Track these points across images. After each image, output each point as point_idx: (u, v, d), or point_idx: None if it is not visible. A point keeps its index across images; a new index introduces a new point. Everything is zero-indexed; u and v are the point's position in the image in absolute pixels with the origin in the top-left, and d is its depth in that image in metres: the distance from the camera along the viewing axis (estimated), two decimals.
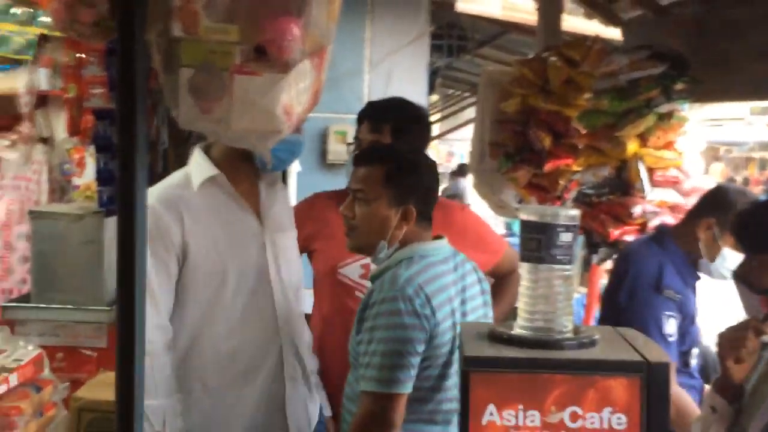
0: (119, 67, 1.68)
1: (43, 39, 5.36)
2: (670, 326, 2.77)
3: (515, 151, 4.06)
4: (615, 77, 3.44)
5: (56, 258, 3.71)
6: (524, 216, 1.79)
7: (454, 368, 2.11)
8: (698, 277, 2.94)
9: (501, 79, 4.31)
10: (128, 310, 1.67)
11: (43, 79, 5.38)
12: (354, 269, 2.69)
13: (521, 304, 1.80)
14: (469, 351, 1.73)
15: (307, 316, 2.67)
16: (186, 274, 2.32)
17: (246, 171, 2.40)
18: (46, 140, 5.70)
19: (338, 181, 2.96)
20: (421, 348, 2.05)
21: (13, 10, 5.15)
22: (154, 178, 3.34)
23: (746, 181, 16.04)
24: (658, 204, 3.50)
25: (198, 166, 2.39)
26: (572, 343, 1.75)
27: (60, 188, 5.63)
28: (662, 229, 3.06)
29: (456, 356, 2.10)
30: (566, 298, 1.79)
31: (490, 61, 7.99)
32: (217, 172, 2.36)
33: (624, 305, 2.85)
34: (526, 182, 4.06)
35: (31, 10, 5.13)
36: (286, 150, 2.31)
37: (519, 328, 1.80)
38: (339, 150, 5.41)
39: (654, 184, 3.49)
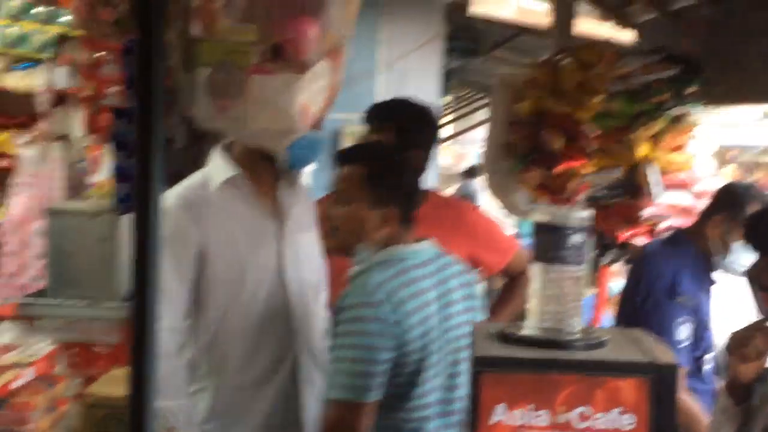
0: (138, 65, 1.69)
1: (63, 38, 5.41)
2: (683, 332, 2.78)
3: (527, 152, 4.06)
4: (628, 80, 3.44)
5: (72, 255, 3.75)
6: (536, 217, 1.80)
7: (426, 376, 2.07)
8: (714, 281, 2.95)
9: (514, 81, 4.30)
10: (141, 307, 1.68)
11: (61, 77, 5.42)
12: None
13: (531, 305, 1.82)
14: (479, 351, 1.75)
15: None
16: (204, 276, 2.32)
17: (266, 170, 2.37)
18: (63, 138, 5.75)
19: None
20: (388, 356, 2.00)
21: (33, 10, 5.19)
22: (169, 177, 3.38)
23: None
24: (669, 206, 3.50)
25: (217, 167, 2.38)
26: (581, 343, 1.76)
27: (76, 185, 5.67)
28: (678, 231, 3.07)
29: (428, 363, 2.06)
30: (576, 299, 1.80)
31: (503, 64, 7.98)
32: (236, 173, 2.34)
33: (638, 309, 2.86)
34: (538, 184, 4.06)
35: (52, 9, 5.17)
36: (307, 148, 2.28)
37: (529, 329, 1.81)
38: None
39: (665, 186, 3.49)
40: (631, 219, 3.47)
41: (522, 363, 1.70)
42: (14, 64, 5.83)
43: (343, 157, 2.16)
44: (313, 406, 2.47)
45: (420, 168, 2.71)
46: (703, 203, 3.28)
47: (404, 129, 2.67)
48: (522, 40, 7.13)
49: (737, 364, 1.99)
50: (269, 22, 1.78)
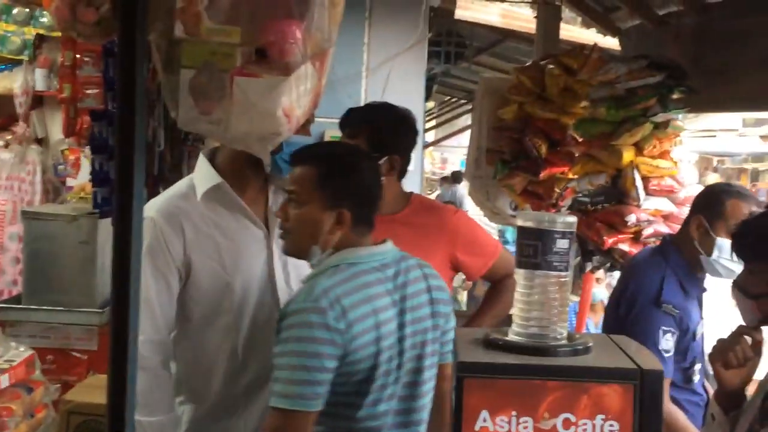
0: (119, 67, 1.67)
1: (40, 39, 5.37)
2: (667, 342, 2.77)
3: (511, 158, 4.07)
4: (612, 86, 3.45)
5: (49, 259, 3.71)
6: (521, 222, 1.79)
7: (377, 385, 1.99)
8: (703, 289, 2.96)
9: (499, 86, 4.32)
10: (122, 314, 1.65)
11: (39, 79, 5.38)
12: None
13: (516, 310, 1.81)
14: (464, 357, 1.74)
15: None
16: (189, 288, 2.28)
17: (253, 177, 2.32)
18: (40, 141, 5.70)
19: None
20: (332, 364, 1.91)
21: (12, 11, 5.14)
22: (150, 180, 3.35)
23: None
24: (653, 213, 3.51)
25: (202, 175, 2.33)
26: (566, 350, 1.75)
27: (54, 189, 5.63)
28: (665, 239, 3.08)
29: (381, 372, 1.98)
30: (561, 305, 1.80)
31: (487, 69, 8.01)
32: (220, 181, 2.29)
33: (623, 317, 2.86)
34: (522, 189, 4.07)
35: (28, 10, 5.13)
36: None
37: (514, 335, 1.80)
38: None
39: (649, 192, 3.50)
40: (615, 225, 3.47)
41: (506, 369, 1.69)
42: None
43: (296, 158, 2.09)
44: None
45: (396, 171, 2.70)
46: (686, 210, 3.29)
47: (378, 134, 2.64)
48: (506, 45, 7.16)
49: (721, 371, 2.00)
50: (253, 24, 1.75)
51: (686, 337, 2.83)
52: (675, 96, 3.40)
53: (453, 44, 7.49)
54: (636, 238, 3.50)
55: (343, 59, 4.68)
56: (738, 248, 2.08)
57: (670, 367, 2.76)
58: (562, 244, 1.76)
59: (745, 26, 3.46)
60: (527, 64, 4.40)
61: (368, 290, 1.99)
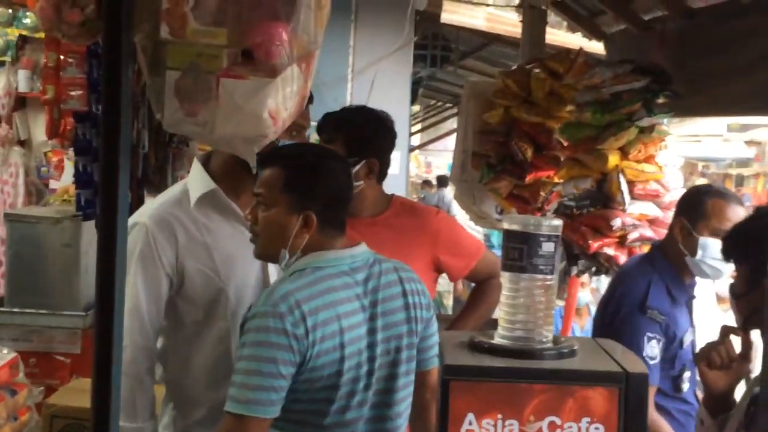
0: (104, 68, 1.66)
1: (23, 40, 5.34)
2: (652, 348, 2.76)
3: (497, 161, 4.08)
4: (598, 90, 3.46)
5: (32, 262, 3.69)
6: (507, 225, 1.79)
7: (345, 391, 1.96)
8: (692, 296, 2.97)
9: (484, 90, 4.33)
10: (106, 317, 1.64)
11: (22, 80, 5.35)
12: None
13: (502, 313, 1.80)
14: (449, 359, 1.73)
15: None
16: (183, 295, 2.27)
17: (248, 181, 2.26)
18: (23, 143, 5.67)
19: None
20: (288, 370, 1.88)
21: None
22: (134, 183, 3.33)
23: None
24: (638, 217, 3.52)
25: (195, 180, 2.32)
26: (552, 353, 1.75)
27: (37, 191, 5.60)
28: (653, 247, 3.10)
29: (348, 378, 1.96)
30: (547, 308, 1.80)
31: (473, 72, 8.04)
32: (214, 187, 2.29)
33: (608, 323, 2.86)
34: (508, 193, 4.08)
35: (10, 11, 5.10)
36: None
37: (499, 338, 1.80)
38: None
39: (634, 196, 3.51)
40: (601, 229, 3.49)
41: (492, 372, 1.69)
42: None
43: (263, 160, 2.06)
44: None
45: (375, 174, 2.70)
46: (671, 214, 3.31)
47: (355, 137, 2.64)
48: (492, 49, 7.18)
49: (705, 371, 2.01)
50: (239, 26, 1.75)
51: (673, 345, 2.84)
52: (660, 100, 3.41)
53: (439, 48, 7.51)
54: (621, 242, 3.51)
55: (328, 62, 4.68)
56: (724, 250, 2.10)
57: (655, 374, 2.75)
58: (547, 247, 1.76)
59: (729, 31, 3.48)
60: (513, 68, 4.42)
61: (332, 295, 1.95)
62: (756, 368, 1.96)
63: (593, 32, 5.01)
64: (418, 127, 14.35)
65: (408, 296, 2.08)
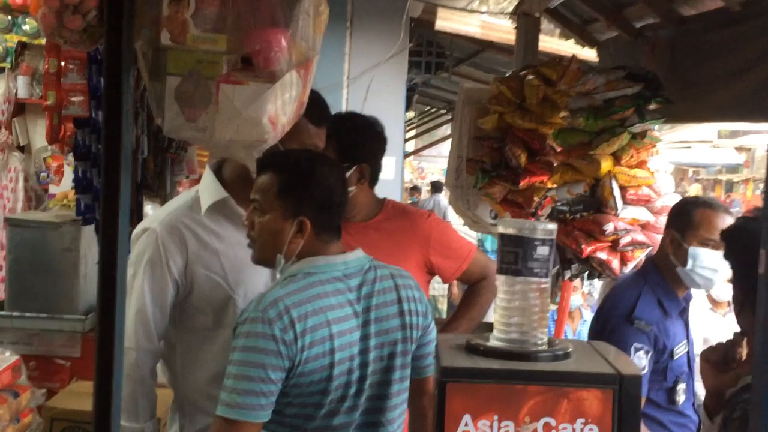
0: (106, 74, 1.69)
1: (22, 47, 5.36)
2: (639, 359, 2.77)
3: (491, 167, 4.10)
4: (590, 96, 3.49)
5: (32, 266, 3.71)
6: (503, 230, 1.82)
7: (334, 396, 1.97)
8: (683, 306, 2.99)
9: (479, 96, 4.35)
10: (108, 321, 1.67)
11: (21, 86, 5.37)
12: None
13: (497, 316, 1.83)
14: (446, 361, 1.76)
15: None
16: (191, 301, 2.30)
17: None
18: (22, 148, 5.68)
19: None
20: (277, 375, 1.88)
21: None
22: (133, 188, 3.35)
23: None
24: (630, 222, 3.55)
25: (206, 188, 2.34)
26: (547, 355, 1.78)
27: (36, 196, 5.61)
28: (648, 259, 3.14)
29: (339, 383, 1.96)
30: (542, 311, 1.82)
31: (467, 79, 8.06)
32: (225, 195, 2.31)
33: (599, 333, 2.89)
34: (502, 198, 4.10)
35: (9, 18, 5.11)
36: None
37: (495, 340, 1.83)
38: None
39: (626, 201, 3.54)
40: (594, 234, 3.51)
41: (488, 374, 1.72)
42: None
43: (260, 167, 2.08)
44: None
45: (366, 179, 2.72)
46: (662, 219, 3.35)
47: (345, 144, 2.67)
48: (486, 56, 7.21)
49: (703, 366, 2.04)
50: (239, 33, 1.77)
51: (663, 356, 2.85)
52: (652, 106, 3.44)
53: (433, 55, 7.53)
54: (614, 246, 3.54)
55: (324, 69, 4.70)
56: (726, 255, 2.10)
57: (644, 385, 2.76)
58: (542, 251, 1.79)
59: (718, 39, 3.51)
60: (507, 74, 4.45)
61: (322, 301, 1.96)
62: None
63: (586, 39, 5.05)
64: (413, 133, 14.36)
65: (403, 303, 2.08)
